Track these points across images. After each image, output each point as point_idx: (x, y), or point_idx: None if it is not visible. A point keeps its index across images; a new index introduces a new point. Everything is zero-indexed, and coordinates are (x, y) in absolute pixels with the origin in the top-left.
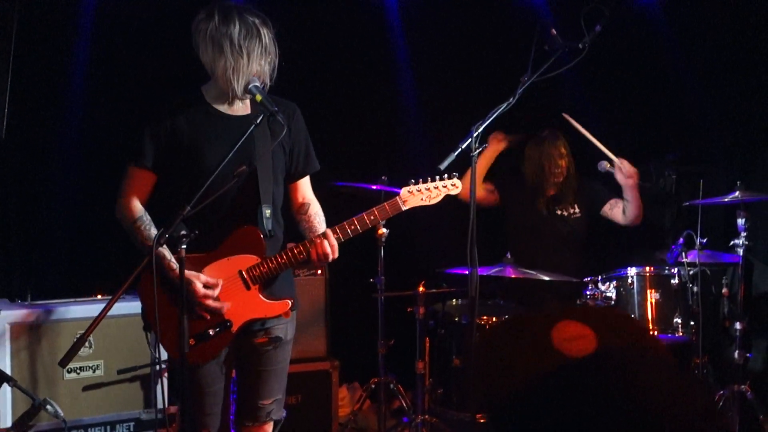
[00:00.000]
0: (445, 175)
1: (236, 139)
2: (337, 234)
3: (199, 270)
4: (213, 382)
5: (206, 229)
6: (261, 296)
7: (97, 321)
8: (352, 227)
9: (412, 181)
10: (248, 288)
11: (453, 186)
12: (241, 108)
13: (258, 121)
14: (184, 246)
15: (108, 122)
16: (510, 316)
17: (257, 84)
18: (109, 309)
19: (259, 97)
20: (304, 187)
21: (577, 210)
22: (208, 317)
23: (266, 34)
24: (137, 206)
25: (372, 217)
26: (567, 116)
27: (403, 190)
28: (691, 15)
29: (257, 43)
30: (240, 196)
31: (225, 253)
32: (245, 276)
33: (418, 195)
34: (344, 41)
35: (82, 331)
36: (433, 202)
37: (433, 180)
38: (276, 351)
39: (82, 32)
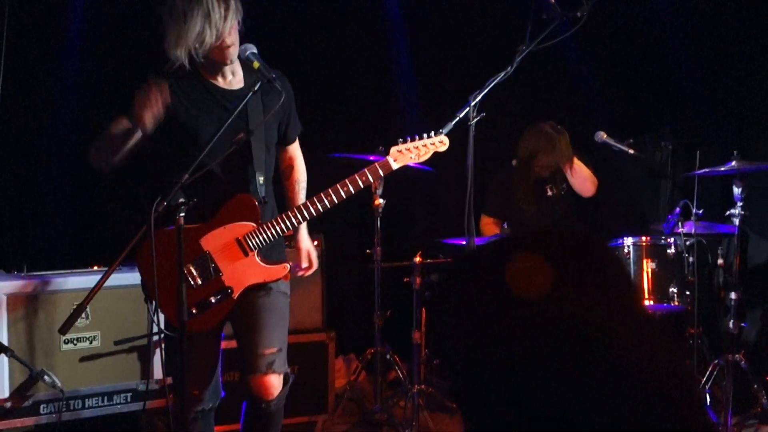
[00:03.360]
0: (432, 132)
1: (231, 110)
2: (331, 197)
3: (198, 239)
4: (206, 346)
5: (202, 199)
6: (259, 261)
7: (95, 289)
8: (345, 188)
9: (401, 139)
10: (246, 254)
11: (440, 143)
12: (236, 81)
13: (256, 88)
14: (182, 214)
15: (104, 95)
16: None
17: (254, 51)
18: (108, 278)
19: (256, 64)
20: (291, 151)
21: (564, 185)
22: None
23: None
24: None
25: (364, 178)
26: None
27: (392, 149)
28: None
29: (197, 5)
30: (234, 165)
31: (222, 221)
32: (243, 243)
33: (407, 153)
34: (339, 10)
35: (80, 302)
36: (422, 159)
37: (421, 138)
38: (269, 298)
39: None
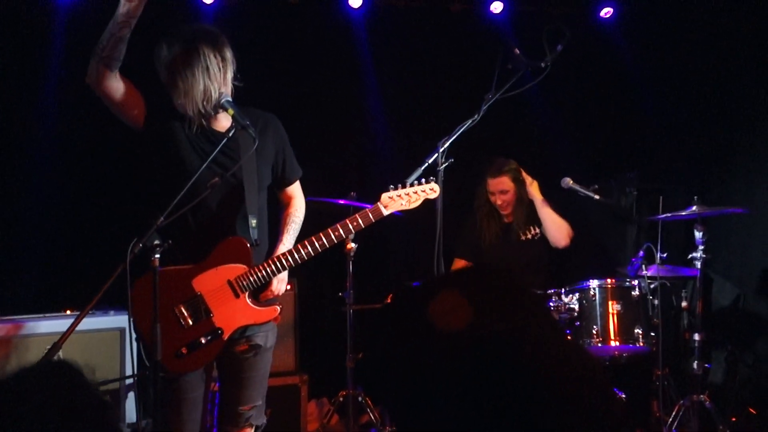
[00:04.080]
0: (423, 180)
1: (219, 152)
2: (321, 241)
3: (190, 281)
4: (192, 388)
5: (194, 240)
6: (250, 303)
7: (70, 330)
8: (336, 233)
9: (392, 186)
10: (237, 296)
11: (431, 190)
12: (226, 123)
13: (230, 134)
14: (157, 255)
15: (82, 137)
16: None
17: (229, 99)
18: (82, 319)
19: (231, 111)
20: (291, 191)
21: (537, 230)
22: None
23: (206, 50)
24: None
25: (355, 223)
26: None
27: (384, 196)
28: (647, 34)
29: (197, 62)
30: (226, 207)
31: (213, 263)
32: (234, 284)
33: (398, 200)
34: (313, 58)
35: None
36: (413, 206)
37: (412, 185)
38: (256, 358)
39: (56, 40)
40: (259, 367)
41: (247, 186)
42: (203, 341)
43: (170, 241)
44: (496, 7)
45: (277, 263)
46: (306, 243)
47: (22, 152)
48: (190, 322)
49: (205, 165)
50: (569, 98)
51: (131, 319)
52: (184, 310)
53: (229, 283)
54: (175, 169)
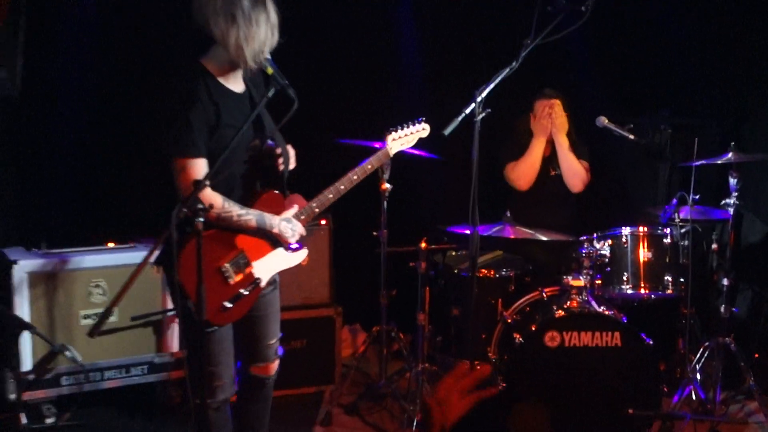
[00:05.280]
0: (416, 120)
1: (245, 114)
2: (344, 186)
3: (233, 239)
4: (226, 337)
5: (236, 198)
6: (284, 250)
7: (121, 294)
8: (355, 177)
9: (392, 129)
10: (274, 246)
11: (423, 129)
12: (239, 84)
13: (270, 95)
14: (201, 219)
15: (120, 72)
16: None
17: (269, 57)
18: (136, 277)
19: (270, 70)
20: None
21: (558, 171)
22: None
23: (270, 3)
24: (215, 195)
25: (369, 166)
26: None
27: (388, 138)
28: None
29: (263, 10)
30: (260, 166)
31: None
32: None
33: (399, 140)
34: (347, 7)
35: (97, 279)
36: (410, 145)
37: (408, 126)
38: (274, 293)
39: None
40: (276, 302)
41: (279, 142)
42: (245, 292)
43: (211, 205)
44: None
45: (308, 211)
46: (331, 189)
47: (63, 93)
48: (234, 278)
49: (245, 127)
50: (602, 36)
51: (177, 283)
52: (229, 267)
53: (268, 235)
54: (219, 136)
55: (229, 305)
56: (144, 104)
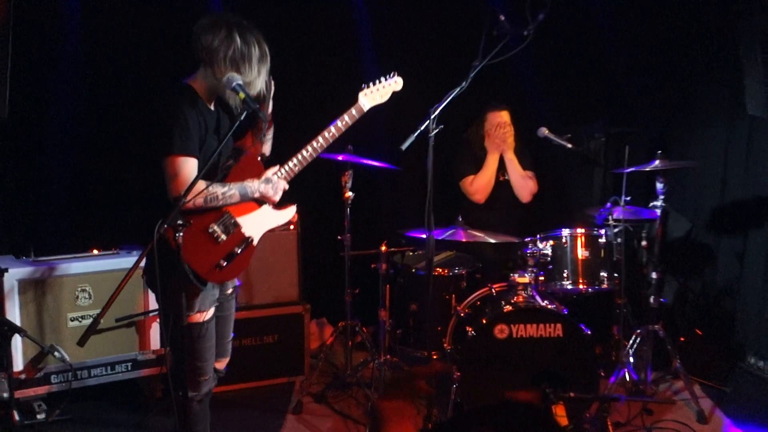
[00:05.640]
0: (388, 75)
1: (221, 132)
2: (321, 141)
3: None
4: (213, 335)
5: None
6: (271, 208)
7: (109, 303)
8: (330, 133)
9: (365, 85)
10: (260, 204)
11: (395, 83)
12: (212, 103)
13: (242, 117)
14: (180, 233)
15: (105, 87)
16: None
17: (240, 83)
18: (124, 285)
19: (242, 95)
20: None
21: (506, 177)
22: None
23: (268, 52)
24: (199, 183)
25: (344, 121)
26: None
27: (360, 94)
28: None
29: (265, 62)
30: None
31: (233, 181)
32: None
33: (371, 96)
34: (313, 27)
35: (83, 284)
36: (384, 99)
37: (381, 81)
38: (233, 297)
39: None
40: (234, 305)
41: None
42: (238, 251)
43: (191, 221)
44: None
45: (290, 165)
46: (309, 144)
47: (53, 103)
48: (223, 237)
49: (221, 145)
50: (544, 52)
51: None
52: (216, 228)
53: None
54: (202, 150)
55: (224, 263)
56: (128, 117)
